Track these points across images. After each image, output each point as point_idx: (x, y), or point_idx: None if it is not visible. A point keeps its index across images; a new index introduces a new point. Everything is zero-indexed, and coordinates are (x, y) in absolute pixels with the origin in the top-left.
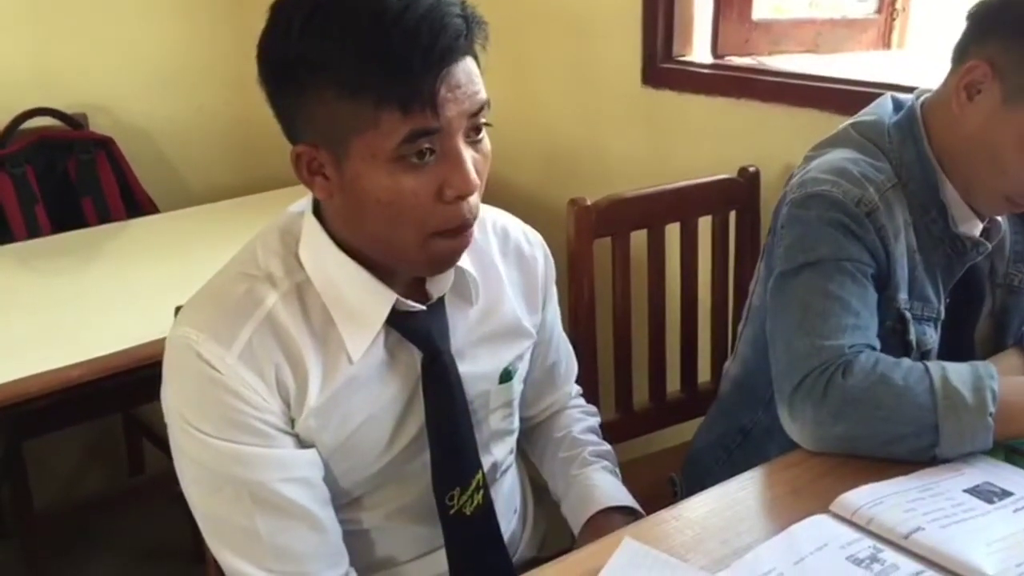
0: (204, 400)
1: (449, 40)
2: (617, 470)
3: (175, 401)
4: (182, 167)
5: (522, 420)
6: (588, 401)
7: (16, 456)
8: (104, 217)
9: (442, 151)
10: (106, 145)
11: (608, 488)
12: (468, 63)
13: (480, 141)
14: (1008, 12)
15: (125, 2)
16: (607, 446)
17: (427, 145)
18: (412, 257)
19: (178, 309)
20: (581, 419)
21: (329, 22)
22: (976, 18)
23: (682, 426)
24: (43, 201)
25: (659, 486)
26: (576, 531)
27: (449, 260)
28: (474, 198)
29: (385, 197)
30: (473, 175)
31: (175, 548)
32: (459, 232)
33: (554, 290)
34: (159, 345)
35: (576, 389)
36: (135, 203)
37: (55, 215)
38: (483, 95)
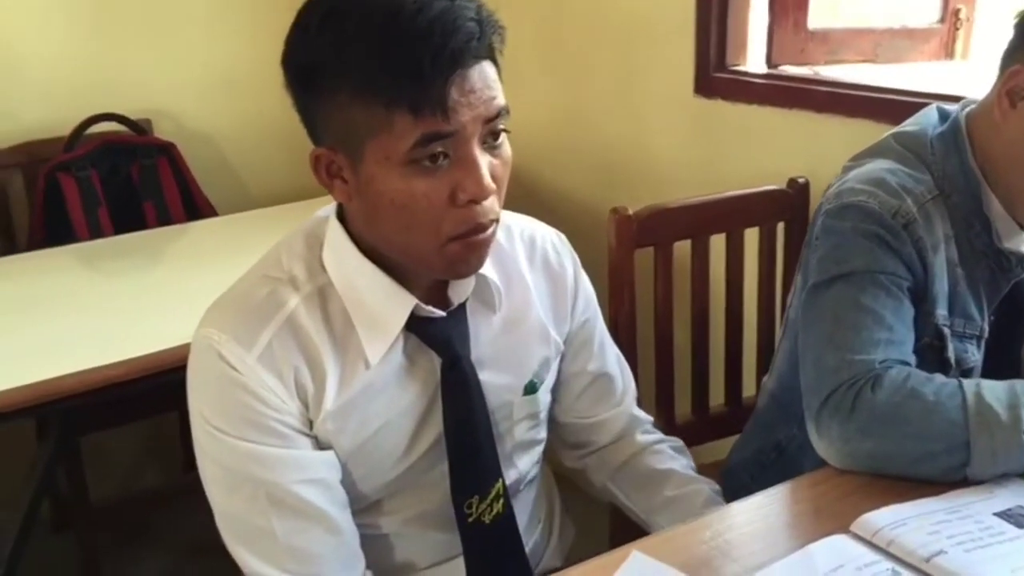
0: (224, 400)
1: (460, 43)
2: None
3: (197, 400)
4: (241, 172)
5: (580, 447)
6: None
7: (73, 451)
8: (164, 220)
9: (456, 155)
10: (168, 150)
11: None
12: (484, 68)
13: (499, 147)
14: None
15: (189, 11)
16: (713, 484)
17: (440, 149)
18: (430, 261)
19: None
20: (676, 457)
21: (343, 25)
22: (1022, 26)
23: (725, 441)
24: (106, 204)
25: None
26: None
27: (468, 264)
28: (490, 202)
29: (399, 200)
30: (487, 179)
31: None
32: (474, 235)
33: (590, 296)
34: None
35: (647, 417)
36: (195, 207)
37: (117, 217)
38: (500, 101)
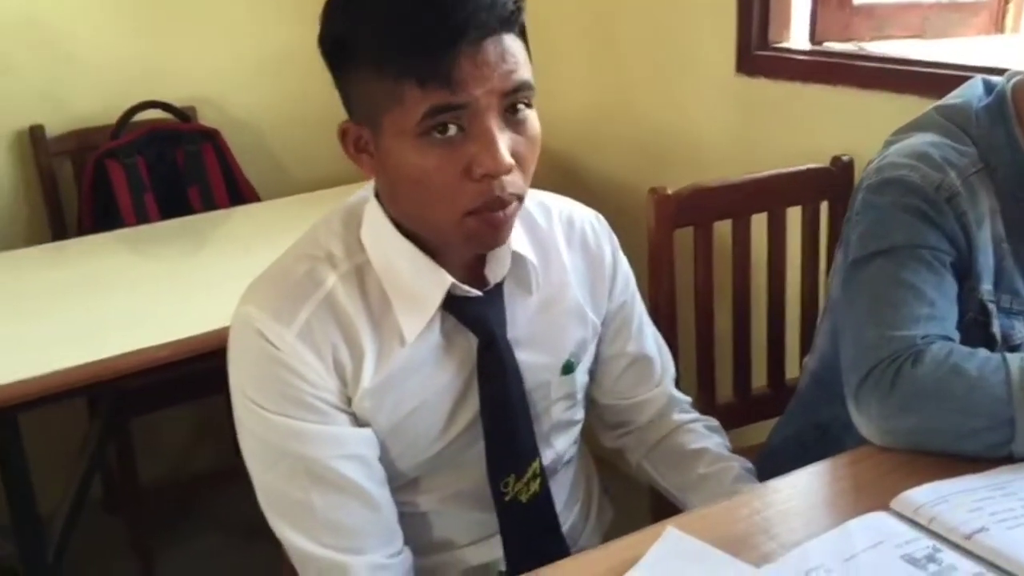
0: (263, 376)
1: (466, 14)
2: None
3: (237, 377)
4: (283, 157)
5: (618, 426)
6: None
7: (123, 433)
8: (209, 205)
9: (471, 129)
10: (212, 137)
11: None
12: (503, 40)
13: (522, 122)
14: None
15: (234, 1)
16: (745, 462)
17: (453, 122)
18: (449, 235)
19: None
20: (710, 435)
21: (361, 1)
22: None
23: (768, 423)
24: (152, 190)
25: None
26: None
27: (486, 239)
28: (510, 178)
29: (414, 174)
30: (503, 154)
31: None
32: (491, 210)
33: (628, 277)
34: None
35: (685, 398)
36: (238, 192)
37: (163, 203)
38: (520, 75)
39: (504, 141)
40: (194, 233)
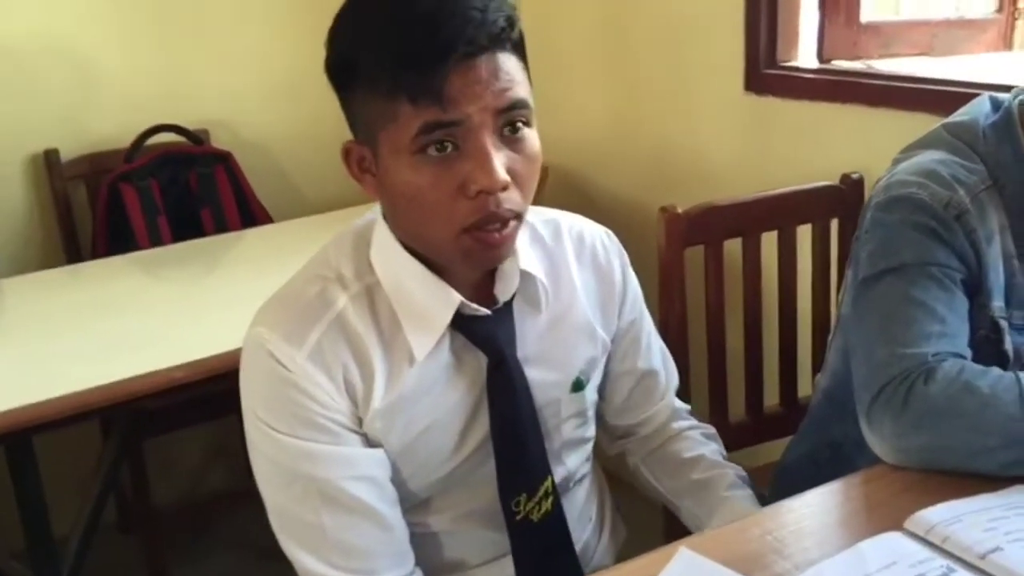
0: (275, 398)
1: (454, 29)
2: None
3: (249, 398)
4: (296, 179)
5: (621, 435)
6: None
7: (137, 454)
8: (221, 227)
9: (465, 147)
10: (225, 159)
11: None
12: (497, 58)
13: (519, 140)
14: None
15: (245, 25)
16: (744, 472)
17: (447, 140)
18: (447, 253)
19: None
20: (706, 443)
21: (358, 20)
22: None
23: (781, 442)
24: (165, 212)
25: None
26: None
27: (483, 257)
28: (506, 195)
29: (409, 191)
30: (498, 170)
31: None
32: (488, 227)
33: (637, 294)
34: None
35: (685, 406)
36: (251, 214)
37: (176, 225)
38: (515, 93)
39: (499, 158)
40: (207, 255)
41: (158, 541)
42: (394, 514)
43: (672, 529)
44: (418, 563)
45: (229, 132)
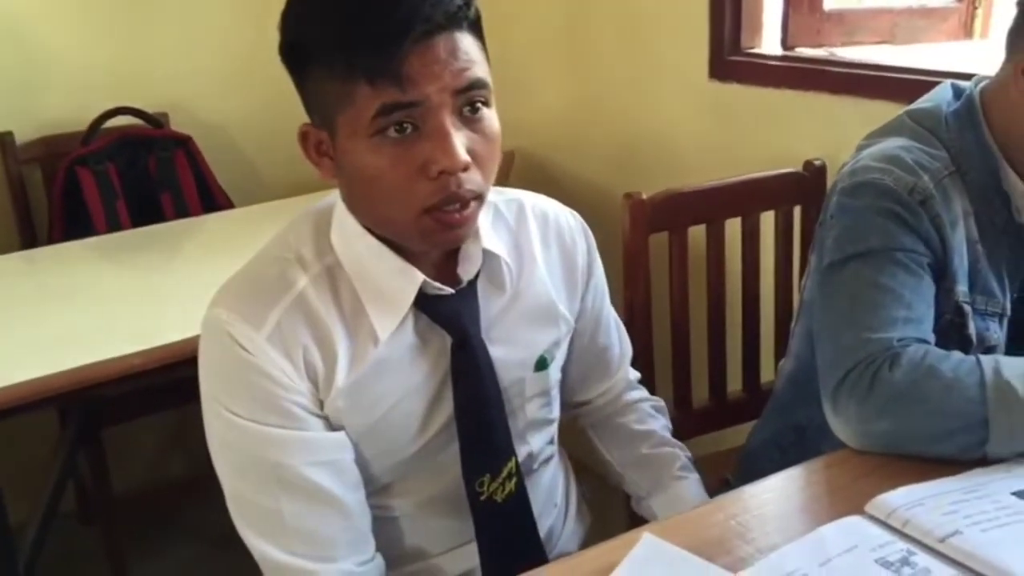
0: (233, 380)
1: (411, 9)
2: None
3: (207, 381)
4: (257, 163)
5: (576, 405)
6: None
7: (95, 442)
8: (182, 212)
9: (425, 127)
10: (184, 143)
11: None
12: (455, 38)
13: (479, 120)
14: None
15: (205, 6)
16: (688, 452)
17: (406, 120)
18: (407, 234)
19: None
20: (656, 417)
21: (309, 3)
22: None
23: (744, 427)
24: (124, 197)
25: (715, 488)
26: None
27: (443, 237)
28: (467, 175)
29: (368, 173)
30: (458, 150)
31: None
32: (448, 207)
33: (599, 272)
34: None
35: (635, 375)
36: (211, 199)
37: (135, 210)
38: (473, 72)
39: (459, 139)
40: (167, 241)
41: (118, 531)
42: (355, 499)
43: (635, 517)
44: (380, 550)
45: (189, 115)
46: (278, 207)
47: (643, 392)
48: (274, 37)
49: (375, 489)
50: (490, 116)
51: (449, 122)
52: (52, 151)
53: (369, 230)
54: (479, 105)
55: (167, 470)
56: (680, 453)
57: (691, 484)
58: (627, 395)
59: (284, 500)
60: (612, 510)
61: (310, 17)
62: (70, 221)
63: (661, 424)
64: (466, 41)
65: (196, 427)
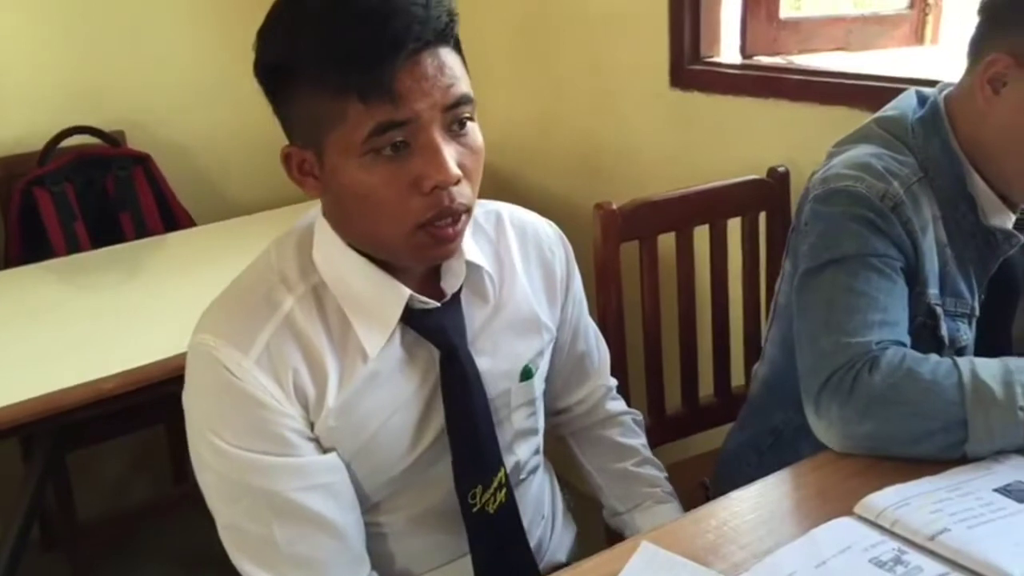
0: (222, 407)
1: (401, 26)
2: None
3: (194, 410)
4: (218, 181)
5: (557, 413)
6: None
7: (60, 467)
8: (142, 232)
9: (416, 143)
10: (143, 161)
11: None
12: (440, 54)
13: (465, 135)
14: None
15: (160, 22)
16: (664, 471)
17: (399, 138)
18: (399, 250)
19: None
20: (637, 433)
21: (293, 20)
22: (990, 11)
23: (716, 431)
24: (82, 217)
25: (693, 492)
26: None
27: (435, 252)
28: (458, 188)
29: (361, 191)
30: (451, 164)
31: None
32: (441, 221)
33: (577, 281)
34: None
35: (613, 382)
36: (172, 217)
37: (94, 231)
38: (460, 88)
39: (450, 153)
40: (128, 261)
41: (83, 556)
42: (350, 520)
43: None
44: (373, 567)
45: (146, 133)
46: (241, 224)
47: (622, 404)
48: (232, 54)
49: (366, 507)
50: (475, 130)
51: (439, 137)
52: (7, 172)
53: (352, 247)
54: (465, 120)
55: (131, 494)
56: (661, 476)
57: (674, 509)
58: (608, 404)
59: (276, 527)
60: (593, 520)
61: (296, 36)
62: (28, 243)
63: (641, 443)
64: (451, 57)
65: (158, 450)
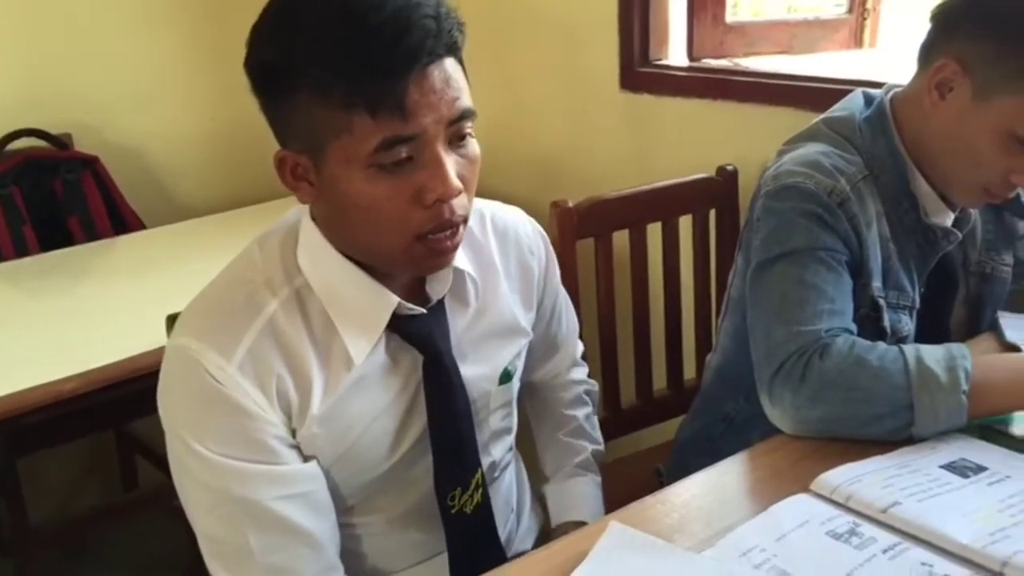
0: (203, 412)
1: (415, 40)
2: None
3: (173, 416)
4: (168, 183)
5: (525, 385)
6: None
7: (11, 473)
8: (91, 235)
9: (421, 157)
10: (91, 164)
11: (590, 505)
12: (446, 67)
13: (464, 145)
14: (974, 10)
15: (107, 23)
16: (601, 445)
17: (404, 153)
18: (399, 260)
19: (170, 318)
20: (586, 403)
21: (297, 24)
22: (941, 18)
23: (669, 423)
24: (30, 221)
25: (647, 481)
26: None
27: (434, 263)
28: (458, 200)
29: (363, 202)
30: (454, 179)
31: (171, 562)
32: (441, 233)
33: (555, 274)
34: (150, 357)
35: (581, 348)
36: (121, 220)
37: (42, 234)
38: (464, 102)
39: (451, 166)
40: (77, 265)
41: (35, 562)
42: (325, 528)
43: None
44: (348, 568)
45: (95, 136)
46: (192, 226)
47: (583, 371)
48: (181, 53)
49: (343, 509)
50: (473, 141)
51: (442, 151)
52: None
53: (341, 252)
54: (467, 135)
55: (80, 500)
56: (587, 447)
57: (583, 483)
58: (570, 372)
59: (252, 536)
60: None
61: (303, 39)
62: None
63: (585, 413)
64: (456, 70)
65: (107, 455)
